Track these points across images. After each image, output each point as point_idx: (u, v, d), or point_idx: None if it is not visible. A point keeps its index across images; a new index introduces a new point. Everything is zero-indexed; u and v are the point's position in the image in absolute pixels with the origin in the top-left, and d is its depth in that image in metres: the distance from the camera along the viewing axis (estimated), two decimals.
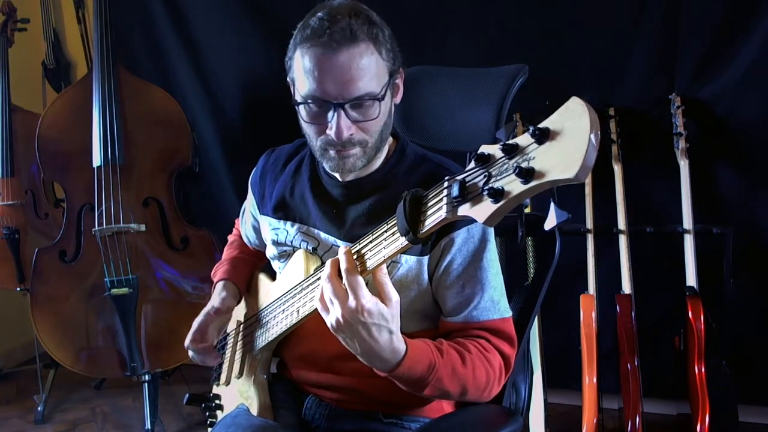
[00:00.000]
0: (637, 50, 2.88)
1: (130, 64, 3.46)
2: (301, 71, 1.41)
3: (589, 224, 2.83)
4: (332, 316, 1.22)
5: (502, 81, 1.76)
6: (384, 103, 1.44)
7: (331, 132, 1.41)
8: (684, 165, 2.74)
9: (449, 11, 3.11)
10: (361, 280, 1.20)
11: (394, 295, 1.23)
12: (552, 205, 0.97)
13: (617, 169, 2.84)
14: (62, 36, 4.08)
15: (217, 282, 1.85)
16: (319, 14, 1.39)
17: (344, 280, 1.20)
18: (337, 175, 1.58)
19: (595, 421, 2.64)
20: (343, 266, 1.21)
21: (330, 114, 1.41)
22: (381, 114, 1.43)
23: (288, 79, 1.49)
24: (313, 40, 1.37)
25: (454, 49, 3.14)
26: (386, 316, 1.21)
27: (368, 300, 1.19)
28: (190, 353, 1.74)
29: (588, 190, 2.84)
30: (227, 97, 3.59)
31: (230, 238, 2.05)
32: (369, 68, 1.38)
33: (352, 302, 1.19)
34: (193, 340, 1.71)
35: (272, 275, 1.79)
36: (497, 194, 0.93)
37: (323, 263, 1.51)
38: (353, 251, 1.26)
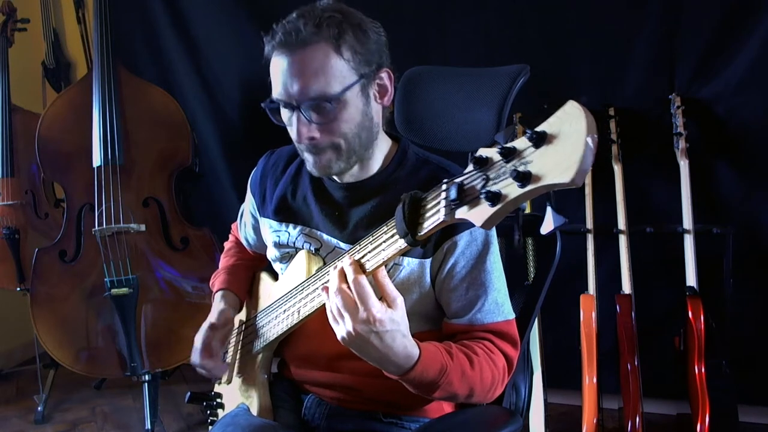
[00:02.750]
0: (637, 50, 2.87)
1: (130, 64, 3.46)
2: (271, 74, 1.43)
3: (589, 224, 2.83)
4: (343, 329, 1.21)
5: (503, 81, 1.75)
6: (349, 105, 1.42)
7: (292, 134, 1.43)
8: (684, 165, 2.74)
9: (450, 12, 3.10)
10: (369, 289, 1.19)
11: (398, 295, 1.23)
12: (549, 209, 0.97)
13: (617, 169, 2.84)
14: (62, 36, 4.08)
15: (215, 292, 1.86)
16: (290, 16, 1.41)
17: (352, 291, 1.20)
18: (336, 177, 1.58)
19: (595, 421, 2.64)
20: (350, 276, 1.21)
21: (293, 116, 1.42)
22: (344, 116, 1.42)
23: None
24: (273, 41, 1.40)
25: (454, 49, 3.14)
26: (396, 320, 1.21)
27: (378, 309, 1.19)
28: (199, 369, 1.74)
29: (588, 190, 2.84)
30: (227, 97, 3.60)
31: (226, 245, 2.04)
32: (323, 69, 1.37)
33: (362, 314, 1.18)
34: (202, 357, 1.71)
35: (274, 275, 1.79)
36: (494, 197, 0.94)
37: (325, 264, 1.51)
38: (352, 253, 1.26)
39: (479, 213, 0.98)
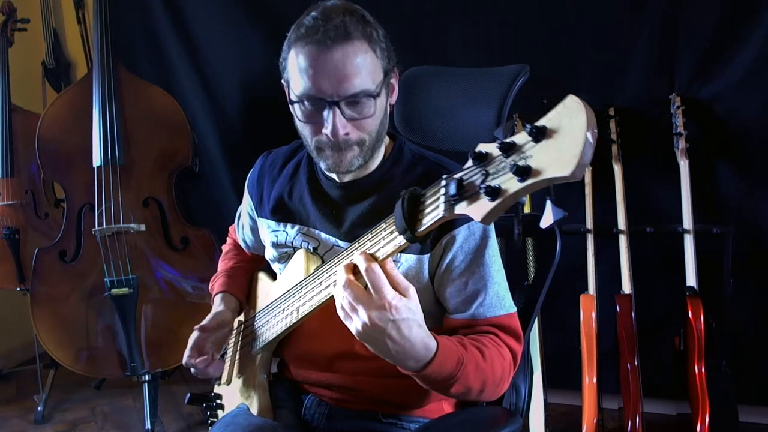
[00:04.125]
0: (637, 50, 2.87)
1: (130, 64, 3.47)
2: (296, 70, 1.41)
3: (589, 224, 2.83)
4: (358, 321, 1.18)
5: (502, 81, 1.76)
6: (380, 101, 1.44)
7: (326, 131, 1.41)
8: (684, 165, 2.74)
9: (450, 12, 3.10)
10: (384, 277, 1.16)
11: (409, 285, 1.20)
12: (548, 203, 0.97)
13: (617, 169, 2.84)
14: (62, 36, 4.09)
15: (215, 295, 1.85)
16: (313, 13, 1.39)
17: (367, 280, 1.17)
18: (334, 176, 1.58)
19: (595, 421, 2.64)
20: (362, 266, 1.18)
21: (325, 112, 1.40)
22: (377, 112, 1.43)
23: (282, 80, 1.49)
24: (307, 38, 1.37)
25: (454, 49, 3.14)
26: (412, 308, 1.19)
27: (393, 296, 1.16)
28: (192, 369, 1.73)
29: (588, 190, 2.84)
30: (227, 97, 3.60)
31: (224, 247, 2.04)
32: (364, 66, 1.38)
33: (377, 301, 1.16)
34: (190, 356, 1.69)
35: (273, 275, 1.79)
36: (494, 192, 0.93)
37: (324, 262, 1.50)
38: (351, 250, 1.26)
39: (479, 208, 0.98)
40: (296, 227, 1.63)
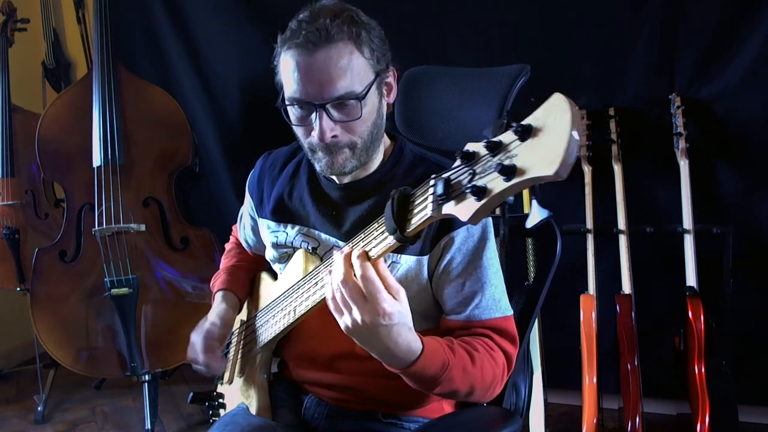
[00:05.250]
0: (637, 50, 2.87)
1: (130, 64, 3.47)
2: (284, 73, 1.42)
3: (589, 224, 2.82)
4: (349, 318, 1.18)
5: (503, 81, 1.76)
6: (368, 103, 1.43)
7: (314, 133, 1.41)
8: (684, 165, 2.73)
9: (450, 12, 3.10)
10: (379, 283, 1.16)
11: (401, 288, 1.20)
12: (533, 202, 0.97)
13: (617, 169, 2.83)
14: (62, 36, 4.09)
15: (215, 293, 1.85)
16: (300, 16, 1.40)
17: (362, 287, 1.16)
18: (334, 177, 1.57)
19: (595, 421, 2.63)
20: (358, 273, 1.17)
21: (313, 115, 1.41)
22: (365, 114, 1.42)
23: (276, 82, 1.49)
24: (290, 41, 1.38)
25: (454, 49, 3.14)
26: (403, 312, 1.19)
27: (388, 303, 1.16)
28: (196, 366, 1.73)
29: (588, 190, 2.84)
30: (227, 97, 3.60)
31: (227, 246, 2.04)
32: (349, 68, 1.37)
33: (372, 307, 1.15)
34: (204, 354, 1.69)
35: (275, 275, 1.79)
36: (480, 192, 0.93)
37: (323, 262, 1.50)
38: (344, 251, 1.26)
39: (465, 208, 0.97)
40: (296, 228, 1.63)
